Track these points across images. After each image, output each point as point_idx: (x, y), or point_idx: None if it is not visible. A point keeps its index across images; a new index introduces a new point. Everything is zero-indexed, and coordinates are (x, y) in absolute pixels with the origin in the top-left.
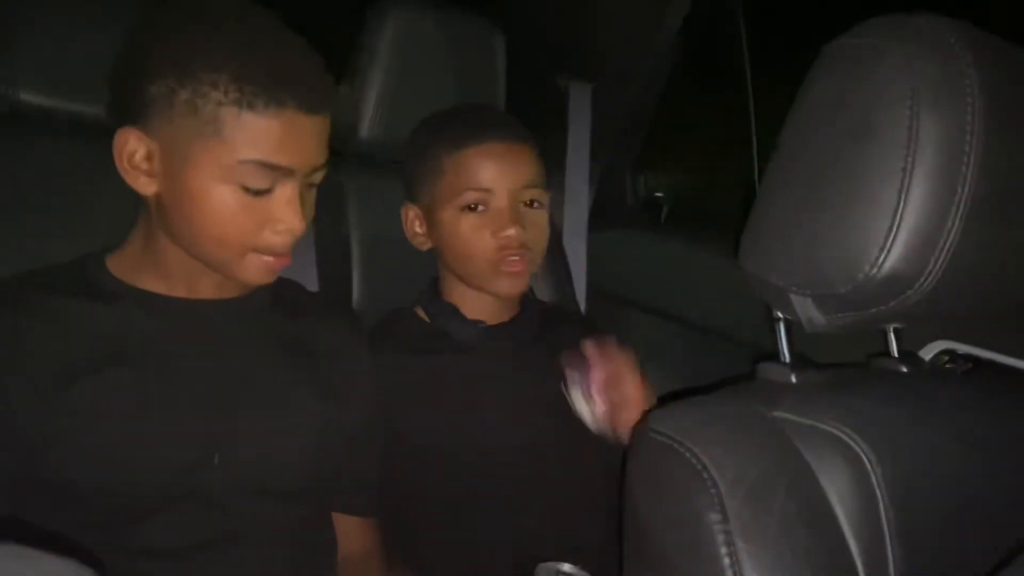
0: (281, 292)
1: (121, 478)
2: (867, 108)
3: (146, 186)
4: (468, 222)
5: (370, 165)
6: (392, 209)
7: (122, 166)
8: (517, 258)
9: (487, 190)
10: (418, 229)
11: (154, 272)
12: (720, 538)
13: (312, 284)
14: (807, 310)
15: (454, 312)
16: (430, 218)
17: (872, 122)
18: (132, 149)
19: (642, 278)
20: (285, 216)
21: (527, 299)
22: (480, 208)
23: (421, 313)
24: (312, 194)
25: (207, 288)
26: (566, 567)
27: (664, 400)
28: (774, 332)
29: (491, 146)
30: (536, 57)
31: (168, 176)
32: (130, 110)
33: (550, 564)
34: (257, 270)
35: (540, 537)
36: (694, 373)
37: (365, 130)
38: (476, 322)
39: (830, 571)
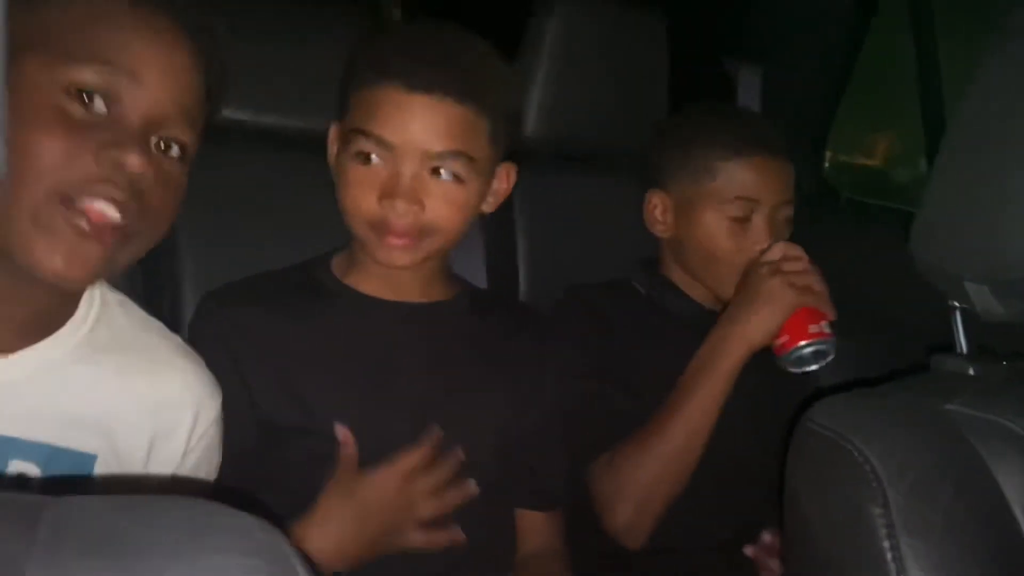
0: (477, 297)
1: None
2: None
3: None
4: (729, 229)
5: (535, 160)
6: (557, 203)
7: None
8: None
9: (755, 201)
10: (659, 216)
11: (365, 275)
12: (883, 532)
13: (481, 280)
14: (984, 298)
15: (673, 288)
16: (681, 211)
17: None
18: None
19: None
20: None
21: None
22: (743, 219)
23: (637, 286)
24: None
25: (414, 291)
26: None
27: (828, 392)
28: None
29: (764, 160)
30: (702, 42)
31: None
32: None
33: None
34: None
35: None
36: (864, 366)
37: (531, 126)
38: (693, 301)
39: (1005, 572)
